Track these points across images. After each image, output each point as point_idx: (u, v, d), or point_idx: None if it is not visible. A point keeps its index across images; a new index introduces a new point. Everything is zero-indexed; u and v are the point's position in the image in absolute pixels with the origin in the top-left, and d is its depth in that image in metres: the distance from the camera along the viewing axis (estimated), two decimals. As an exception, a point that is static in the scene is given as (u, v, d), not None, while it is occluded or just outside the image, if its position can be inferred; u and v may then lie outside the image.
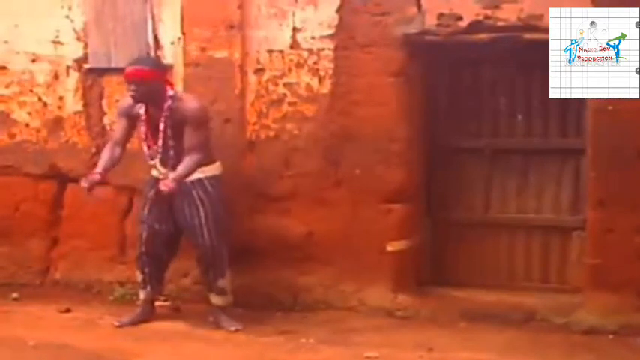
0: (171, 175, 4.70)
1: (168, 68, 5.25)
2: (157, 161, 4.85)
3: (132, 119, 4.91)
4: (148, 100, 4.77)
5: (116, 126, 5.08)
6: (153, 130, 4.82)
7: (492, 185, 5.30)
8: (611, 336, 4.56)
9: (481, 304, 5.01)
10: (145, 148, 4.87)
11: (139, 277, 5.02)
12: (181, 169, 4.70)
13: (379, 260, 5.05)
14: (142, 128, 4.87)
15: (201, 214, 4.80)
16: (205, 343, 4.58)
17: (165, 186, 4.63)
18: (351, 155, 5.09)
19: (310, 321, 4.96)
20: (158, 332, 4.81)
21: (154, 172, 4.91)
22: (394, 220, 5.07)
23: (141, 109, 4.84)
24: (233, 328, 4.80)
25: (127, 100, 4.93)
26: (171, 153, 4.81)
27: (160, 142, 4.79)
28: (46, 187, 5.82)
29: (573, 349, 4.38)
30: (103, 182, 4.96)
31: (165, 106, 4.76)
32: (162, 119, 4.77)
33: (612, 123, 4.58)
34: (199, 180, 4.81)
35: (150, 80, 4.73)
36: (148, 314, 5.03)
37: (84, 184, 4.86)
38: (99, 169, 4.88)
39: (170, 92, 4.80)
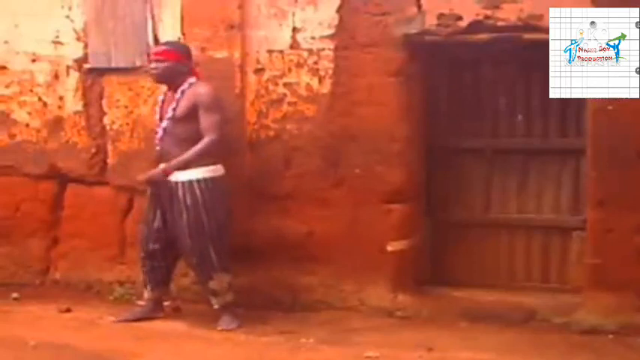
0: (167, 164, 4.79)
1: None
2: (159, 148, 4.88)
3: None
4: (166, 80, 4.88)
5: None
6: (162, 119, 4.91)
7: (492, 185, 5.30)
8: (611, 336, 4.56)
9: (481, 304, 5.01)
10: (159, 135, 4.90)
11: (142, 273, 5.05)
12: (183, 156, 4.76)
13: (379, 260, 5.05)
14: (157, 115, 4.95)
15: (184, 217, 4.76)
16: (205, 343, 4.58)
17: (146, 175, 4.85)
18: (351, 155, 5.09)
19: (310, 321, 4.96)
20: (158, 332, 4.81)
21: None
22: (394, 220, 5.07)
23: (161, 97, 4.97)
24: (220, 328, 4.79)
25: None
26: (173, 141, 4.80)
27: (165, 125, 4.82)
28: (46, 187, 5.81)
29: (573, 349, 4.38)
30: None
31: (180, 90, 4.82)
32: (173, 103, 4.82)
33: (612, 123, 4.58)
34: (190, 182, 4.76)
35: (169, 60, 4.85)
36: (150, 313, 5.03)
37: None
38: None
39: (191, 80, 4.86)
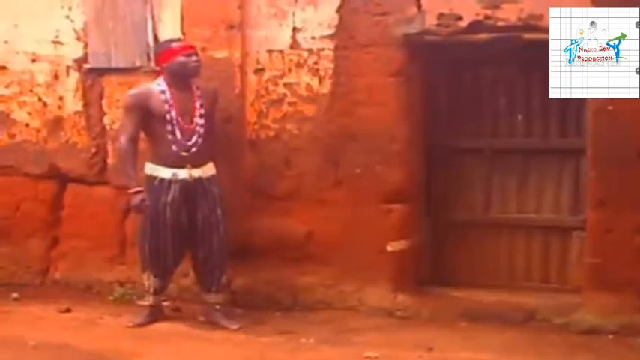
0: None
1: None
2: (190, 151, 4.76)
3: (145, 110, 4.75)
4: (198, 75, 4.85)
5: (129, 120, 4.79)
6: (184, 116, 4.77)
7: (492, 185, 5.30)
8: (611, 336, 4.56)
9: (481, 304, 5.01)
10: (180, 136, 4.73)
11: (156, 282, 4.90)
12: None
13: (379, 260, 5.05)
14: (171, 115, 4.72)
15: (218, 210, 4.82)
16: (205, 343, 4.58)
17: None
18: (351, 155, 5.09)
19: (310, 321, 4.96)
20: (158, 332, 4.81)
21: (165, 174, 4.75)
22: (394, 220, 5.07)
23: (165, 94, 4.75)
24: (235, 327, 4.79)
25: (141, 89, 4.89)
26: (203, 140, 4.81)
27: (202, 123, 4.78)
28: (46, 187, 5.81)
29: (573, 349, 4.38)
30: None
31: (194, 87, 4.82)
32: (198, 100, 4.80)
33: (612, 123, 4.58)
34: (213, 176, 4.85)
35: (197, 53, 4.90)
36: (160, 314, 5.02)
37: (136, 211, 4.82)
38: (135, 185, 4.72)
39: None
